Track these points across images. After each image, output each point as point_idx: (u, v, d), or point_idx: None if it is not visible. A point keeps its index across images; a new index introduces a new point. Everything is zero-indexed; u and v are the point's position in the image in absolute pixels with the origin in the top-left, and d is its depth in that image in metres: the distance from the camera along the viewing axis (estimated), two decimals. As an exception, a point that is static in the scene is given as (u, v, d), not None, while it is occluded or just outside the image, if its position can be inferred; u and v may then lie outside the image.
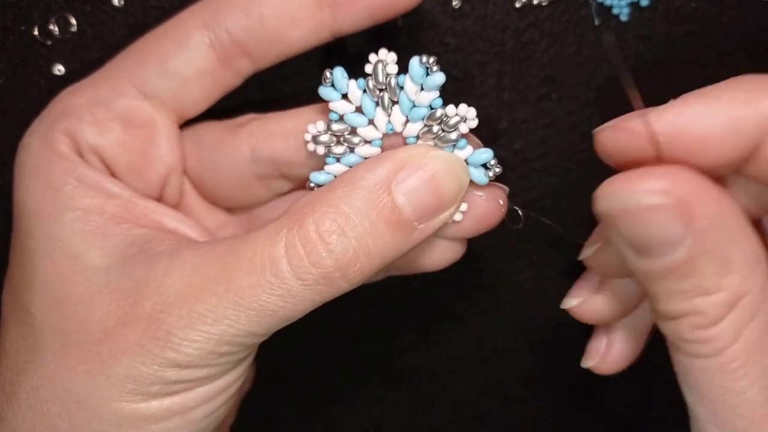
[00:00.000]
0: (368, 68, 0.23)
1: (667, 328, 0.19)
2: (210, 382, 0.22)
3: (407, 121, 0.23)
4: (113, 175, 0.25)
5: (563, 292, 0.34)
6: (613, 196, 0.19)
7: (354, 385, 0.36)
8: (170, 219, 0.25)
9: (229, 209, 0.28)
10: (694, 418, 0.20)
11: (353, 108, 0.23)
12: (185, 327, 0.21)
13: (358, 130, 0.23)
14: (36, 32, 0.29)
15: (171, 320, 0.21)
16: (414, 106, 0.23)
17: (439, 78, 0.22)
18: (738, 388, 0.18)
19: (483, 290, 0.34)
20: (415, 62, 0.22)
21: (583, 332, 0.30)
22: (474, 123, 0.23)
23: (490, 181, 0.24)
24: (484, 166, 0.23)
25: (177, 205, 0.27)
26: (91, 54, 0.29)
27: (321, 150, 0.24)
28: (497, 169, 0.23)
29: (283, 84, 0.29)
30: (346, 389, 0.36)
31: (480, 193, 0.24)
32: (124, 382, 0.21)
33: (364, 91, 0.23)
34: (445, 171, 0.22)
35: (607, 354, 0.27)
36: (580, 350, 0.29)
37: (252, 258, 0.21)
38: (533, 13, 0.30)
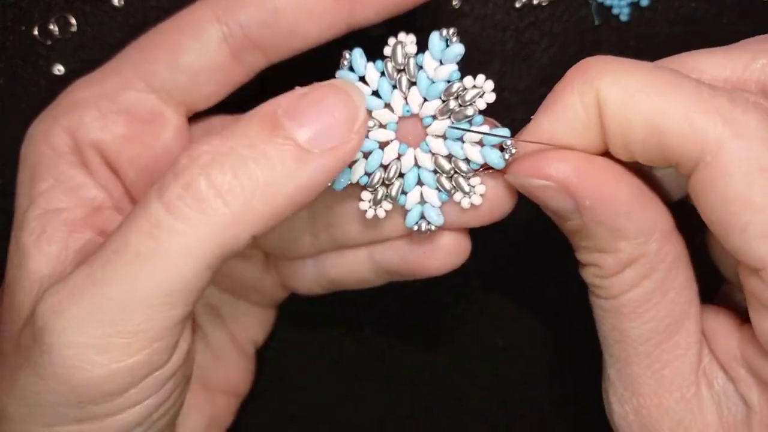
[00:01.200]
0: (387, 50, 0.23)
1: (581, 272, 0.23)
2: (122, 410, 0.20)
3: (425, 101, 0.23)
4: (115, 170, 0.24)
5: (563, 291, 0.34)
6: (516, 176, 0.22)
7: (354, 384, 0.36)
8: None
9: None
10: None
11: (370, 91, 0.23)
12: (53, 314, 0.18)
13: (374, 113, 0.23)
14: (36, 32, 0.29)
15: (43, 310, 0.19)
16: (432, 83, 0.23)
17: (458, 48, 0.22)
18: (625, 327, 0.22)
19: (483, 289, 0.34)
20: (435, 36, 0.22)
21: (583, 331, 0.30)
22: (491, 97, 0.22)
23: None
24: (501, 148, 0.23)
25: None
26: (91, 54, 0.29)
27: None
28: (513, 150, 0.22)
29: (300, 76, 0.30)
30: (347, 388, 0.36)
31: (495, 181, 0.23)
32: (24, 402, 0.19)
33: (382, 73, 0.23)
34: (332, 90, 0.20)
35: None
36: (580, 349, 0.29)
37: (131, 211, 0.19)
38: (533, 13, 0.30)
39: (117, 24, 0.29)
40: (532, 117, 0.23)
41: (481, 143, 0.23)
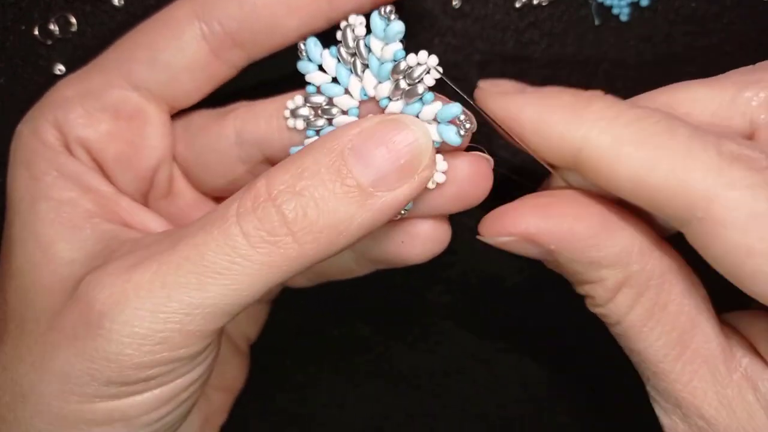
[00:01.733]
0: (339, 35, 0.22)
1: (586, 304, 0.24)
2: (154, 387, 0.21)
3: (378, 83, 0.23)
4: (101, 167, 0.25)
5: (563, 292, 0.34)
6: (485, 237, 0.24)
7: (354, 385, 0.36)
8: (143, 217, 0.25)
9: (218, 199, 0.28)
10: None
11: (329, 79, 0.23)
12: (117, 304, 0.20)
13: (334, 100, 0.23)
14: (36, 32, 0.29)
15: (103, 297, 0.20)
16: (381, 64, 0.22)
17: (397, 26, 0.22)
18: (639, 348, 0.23)
19: (483, 290, 0.34)
20: (375, 16, 0.22)
21: (583, 332, 0.30)
22: (437, 73, 0.22)
23: (471, 147, 0.23)
24: (455, 124, 0.22)
25: (167, 194, 0.27)
26: (91, 54, 0.29)
27: (300, 124, 0.23)
28: (468, 125, 0.22)
29: (280, 71, 0.30)
30: (346, 389, 0.36)
31: (461, 160, 0.23)
32: (60, 380, 0.20)
33: (338, 60, 0.23)
34: (399, 129, 0.21)
35: None
36: (580, 350, 0.29)
37: (202, 222, 0.20)
38: (533, 13, 0.30)
39: (117, 24, 0.29)
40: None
41: (436, 121, 0.22)
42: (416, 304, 0.34)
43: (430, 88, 0.22)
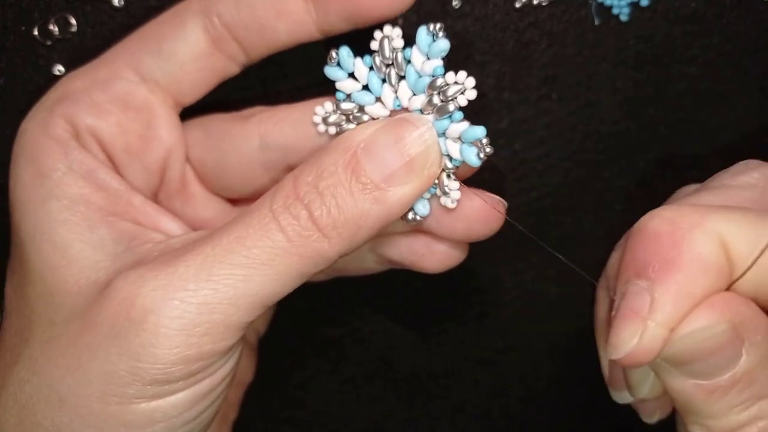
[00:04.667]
0: (374, 45, 0.23)
1: None
2: (193, 383, 0.21)
3: (413, 95, 0.23)
4: (112, 160, 0.25)
5: (564, 293, 0.34)
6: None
7: (354, 385, 0.36)
8: (155, 215, 0.25)
9: (233, 201, 0.28)
10: None
11: (360, 86, 0.23)
12: (163, 299, 0.20)
13: (366, 108, 0.23)
14: (36, 32, 0.29)
15: (146, 292, 0.20)
16: (419, 77, 0.23)
17: (443, 44, 0.22)
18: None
19: (484, 291, 0.34)
20: (422, 31, 0.22)
21: (582, 333, 0.30)
22: (473, 94, 0.22)
23: (488, 195, 0.24)
24: (477, 146, 0.23)
25: (179, 192, 0.27)
26: (91, 54, 0.29)
27: (332, 130, 0.24)
28: (488, 149, 0.23)
29: (291, 79, 0.30)
30: (346, 389, 0.36)
31: (473, 196, 0.24)
32: (102, 381, 0.20)
33: (371, 68, 0.23)
34: (406, 128, 0.22)
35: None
36: (580, 351, 0.29)
37: (240, 220, 0.21)
38: (533, 13, 0.30)
39: (117, 24, 0.29)
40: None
41: (460, 140, 0.23)
42: (417, 305, 0.34)
43: (461, 108, 0.23)
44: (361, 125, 0.23)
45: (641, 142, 0.31)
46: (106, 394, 0.20)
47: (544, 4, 0.30)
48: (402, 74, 0.23)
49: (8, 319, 0.24)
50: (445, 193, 0.23)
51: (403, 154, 0.22)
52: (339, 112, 0.24)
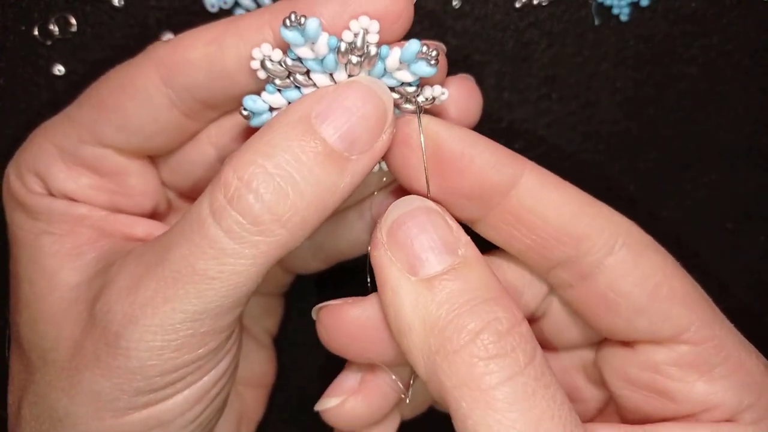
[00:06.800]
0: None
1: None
2: (183, 388, 0.21)
3: (332, 74, 0.22)
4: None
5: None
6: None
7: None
8: (142, 228, 0.24)
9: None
10: None
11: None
12: (129, 324, 0.20)
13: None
14: (36, 32, 0.29)
15: (116, 319, 0.20)
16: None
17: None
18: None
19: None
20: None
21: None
22: (376, 28, 0.21)
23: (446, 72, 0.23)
24: (424, 58, 0.21)
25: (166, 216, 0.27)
26: (91, 54, 0.29)
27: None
28: (434, 53, 0.21)
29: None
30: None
31: (444, 89, 0.22)
32: (91, 399, 0.21)
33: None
34: (361, 93, 0.20)
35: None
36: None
37: (182, 227, 0.20)
38: (533, 13, 0.30)
39: (117, 24, 0.29)
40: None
41: (404, 64, 0.22)
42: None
43: (378, 45, 0.21)
44: (309, 94, 0.21)
45: (641, 142, 0.31)
46: (98, 410, 0.21)
47: (544, 4, 0.30)
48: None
49: (12, 348, 0.24)
50: (431, 98, 0.22)
51: (363, 117, 0.20)
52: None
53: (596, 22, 0.30)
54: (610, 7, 0.30)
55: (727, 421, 0.21)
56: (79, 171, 0.24)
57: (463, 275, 0.20)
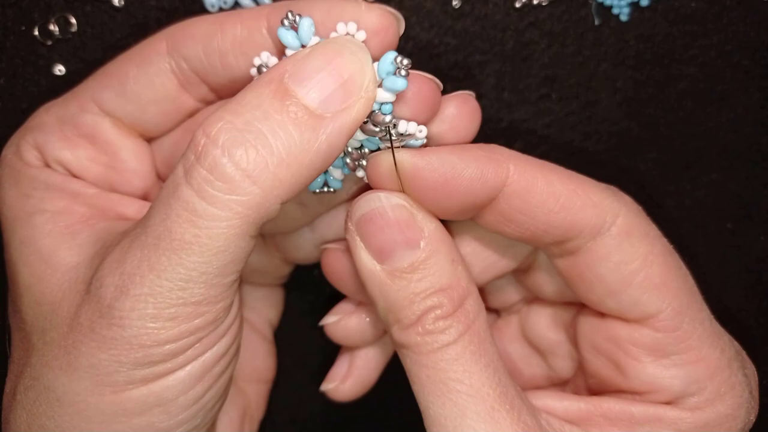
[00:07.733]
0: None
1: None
2: (184, 363, 0.21)
3: None
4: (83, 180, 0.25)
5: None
6: None
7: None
8: (134, 207, 0.25)
9: None
10: None
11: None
12: (120, 295, 0.20)
13: None
14: (36, 32, 0.29)
15: (109, 291, 0.20)
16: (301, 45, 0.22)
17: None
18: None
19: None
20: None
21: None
22: (363, 35, 0.21)
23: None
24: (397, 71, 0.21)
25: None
26: (91, 54, 0.29)
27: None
28: (406, 62, 0.21)
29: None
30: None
31: (422, 127, 0.22)
32: (90, 374, 0.21)
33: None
34: (336, 49, 0.20)
35: (346, 379, 0.30)
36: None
37: (162, 193, 0.20)
38: (533, 13, 0.30)
39: (117, 24, 0.29)
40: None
41: (380, 85, 0.21)
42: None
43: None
44: (283, 59, 0.21)
45: (641, 142, 0.31)
46: (97, 385, 0.21)
47: (544, 4, 0.30)
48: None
49: (11, 334, 0.24)
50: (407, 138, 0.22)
51: (338, 74, 0.20)
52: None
53: (596, 22, 0.30)
54: (610, 7, 0.30)
55: (668, 403, 0.23)
56: (77, 141, 0.24)
57: (420, 270, 0.22)
